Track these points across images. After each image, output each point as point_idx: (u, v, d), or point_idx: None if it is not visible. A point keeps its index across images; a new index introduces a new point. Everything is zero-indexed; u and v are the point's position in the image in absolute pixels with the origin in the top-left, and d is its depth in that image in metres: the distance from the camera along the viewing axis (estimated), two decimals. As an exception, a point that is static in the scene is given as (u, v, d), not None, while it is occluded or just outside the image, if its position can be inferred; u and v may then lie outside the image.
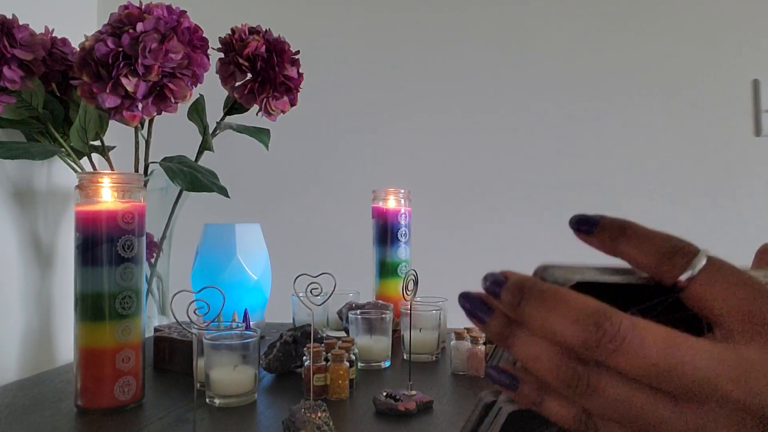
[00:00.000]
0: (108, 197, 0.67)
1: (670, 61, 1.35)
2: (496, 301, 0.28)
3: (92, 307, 0.66)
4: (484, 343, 0.82)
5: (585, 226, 0.29)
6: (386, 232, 1.10)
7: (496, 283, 0.28)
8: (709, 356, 0.24)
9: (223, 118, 1.02)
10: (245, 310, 0.93)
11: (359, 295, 1.07)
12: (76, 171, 0.90)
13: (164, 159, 0.93)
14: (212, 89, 0.97)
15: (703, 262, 0.26)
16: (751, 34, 1.32)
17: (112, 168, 0.93)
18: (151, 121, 0.92)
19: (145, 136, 0.93)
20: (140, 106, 0.80)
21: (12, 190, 0.94)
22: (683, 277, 0.26)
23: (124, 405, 0.67)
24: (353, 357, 0.75)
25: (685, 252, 0.26)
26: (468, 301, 0.29)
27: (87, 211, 0.67)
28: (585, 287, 0.26)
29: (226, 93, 0.99)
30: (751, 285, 0.25)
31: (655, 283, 0.27)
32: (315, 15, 1.44)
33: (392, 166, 1.41)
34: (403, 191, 1.12)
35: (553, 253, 1.32)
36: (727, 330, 0.25)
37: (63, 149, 0.90)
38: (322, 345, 0.74)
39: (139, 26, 0.77)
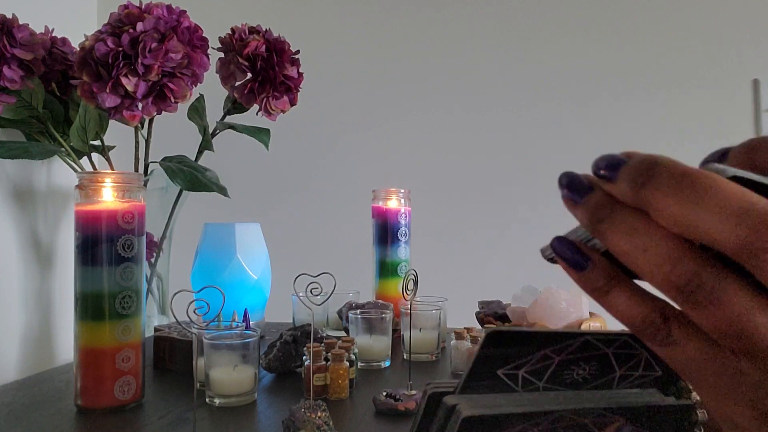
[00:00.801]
0: (108, 197, 0.67)
1: (670, 61, 1.35)
2: (607, 185, 0.23)
3: (92, 307, 0.66)
4: (484, 343, 0.81)
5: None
6: (386, 231, 1.10)
7: (612, 163, 0.23)
8: None
9: (223, 118, 1.02)
10: (245, 309, 0.93)
11: (359, 295, 1.07)
12: (76, 171, 0.90)
13: (164, 159, 0.93)
14: (212, 89, 0.97)
15: None
16: (751, 34, 1.32)
17: (112, 168, 0.93)
18: (151, 121, 0.92)
19: (145, 136, 0.93)
20: (140, 105, 0.80)
21: (12, 189, 0.94)
22: None
23: (124, 405, 0.67)
24: (353, 357, 0.75)
25: None
26: (568, 178, 0.24)
27: (87, 210, 0.67)
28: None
29: (226, 93, 0.99)
30: None
31: None
32: (315, 15, 1.44)
33: (392, 166, 1.41)
34: (403, 191, 1.12)
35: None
36: None
37: (63, 149, 0.90)
38: (322, 345, 0.74)
39: (139, 26, 0.77)
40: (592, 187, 0.24)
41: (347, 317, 0.94)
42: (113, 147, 0.98)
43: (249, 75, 0.94)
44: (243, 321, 0.90)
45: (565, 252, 0.25)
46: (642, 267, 0.22)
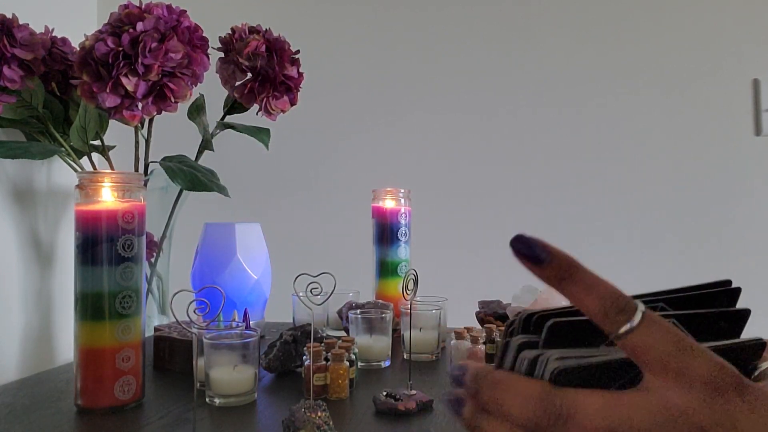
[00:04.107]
0: (108, 197, 0.67)
1: (670, 61, 1.35)
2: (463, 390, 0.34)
3: (92, 307, 0.66)
4: (484, 343, 0.82)
5: (532, 257, 0.31)
6: (386, 231, 1.10)
7: (458, 372, 0.34)
8: (642, 411, 0.29)
9: (223, 118, 1.02)
10: (245, 309, 0.93)
11: (359, 295, 1.07)
12: (76, 170, 0.90)
13: (164, 158, 0.93)
14: (212, 89, 0.97)
15: (639, 318, 0.30)
16: (751, 34, 1.32)
17: (112, 167, 0.93)
18: (151, 121, 0.92)
19: (145, 136, 0.93)
20: (140, 105, 0.80)
21: (12, 189, 0.94)
22: (622, 330, 0.30)
23: (124, 404, 0.67)
24: (353, 356, 0.75)
25: (626, 310, 0.30)
26: (448, 398, 0.35)
27: (87, 210, 0.67)
28: (558, 324, 0.32)
29: (226, 93, 0.99)
30: (675, 339, 0.29)
31: None
32: (315, 15, 1.44)
33: (392, 166, 1.41)
34: (403, 191, 1.12)
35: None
36: (652, 376, 0.30)
37: (63, 149, 0.90)
38: (322, 344, 0.74)
39: (139, 26, 0.77)
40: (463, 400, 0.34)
41: (347, 317, 0.94)
42: (113, 147, 0.98)
43: (249, 75, 0.94)
44: (243, 321, 0.90)
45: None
46: None
